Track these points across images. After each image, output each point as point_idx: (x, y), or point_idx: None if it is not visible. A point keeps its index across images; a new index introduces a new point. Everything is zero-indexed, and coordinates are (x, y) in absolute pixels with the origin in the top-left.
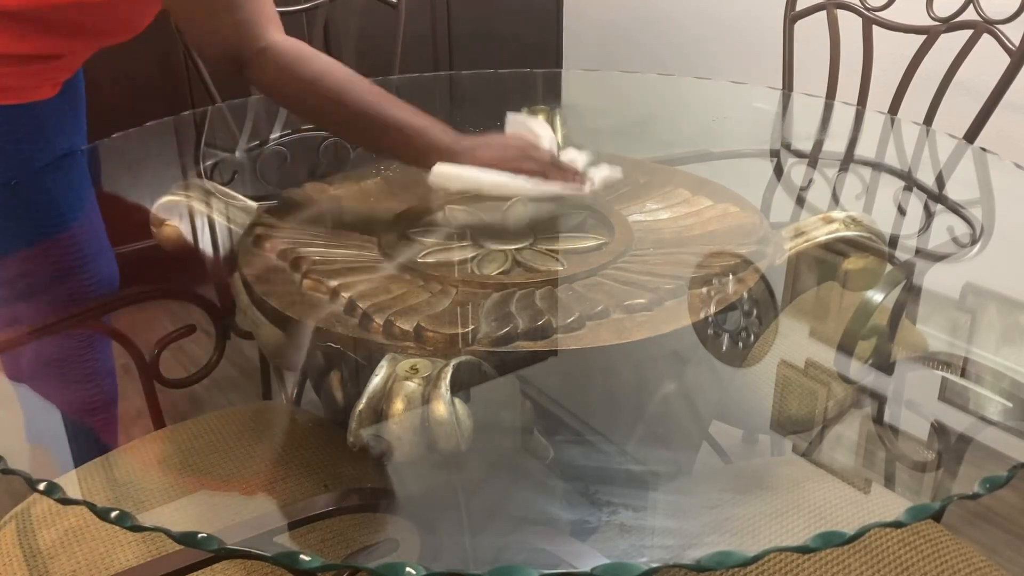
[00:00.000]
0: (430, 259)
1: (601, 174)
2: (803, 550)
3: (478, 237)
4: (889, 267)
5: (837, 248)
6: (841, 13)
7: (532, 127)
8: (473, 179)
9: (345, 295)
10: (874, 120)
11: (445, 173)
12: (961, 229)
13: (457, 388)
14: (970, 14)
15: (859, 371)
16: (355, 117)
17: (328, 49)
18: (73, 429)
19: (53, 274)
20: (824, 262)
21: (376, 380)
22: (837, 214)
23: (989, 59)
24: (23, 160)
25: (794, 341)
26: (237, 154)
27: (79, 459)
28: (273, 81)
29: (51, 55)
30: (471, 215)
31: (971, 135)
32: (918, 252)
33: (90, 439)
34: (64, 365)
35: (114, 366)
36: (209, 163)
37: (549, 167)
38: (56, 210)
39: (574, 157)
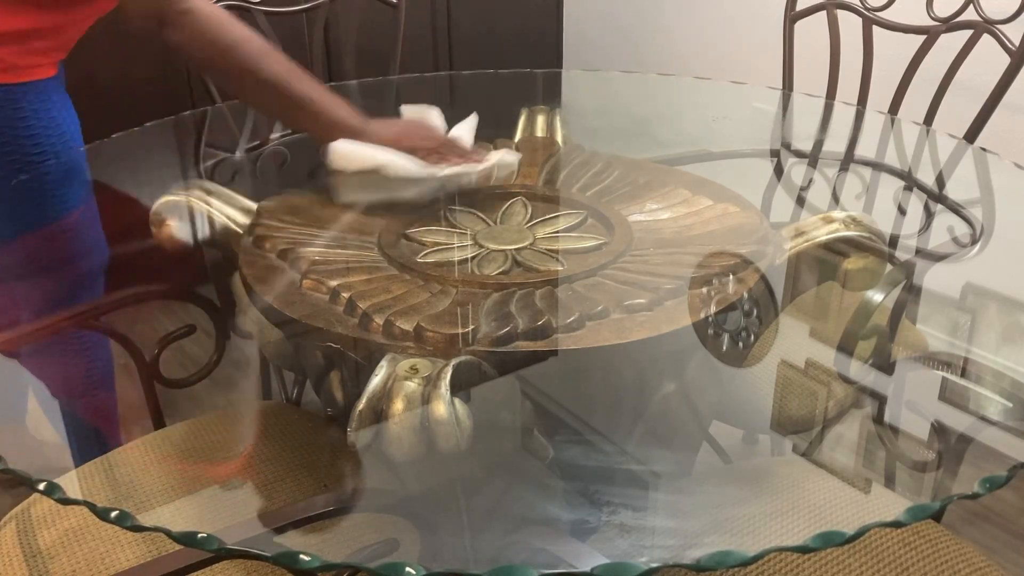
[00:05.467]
0: (430, 259)
1: (496, 157)
2: (803, 550)
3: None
4: (889, 267)
5: (837, 248)
6: (841, 13)
7: (426, 114)
8: (370, 157)
9: (345, 295)
10: (874, 120)
11: (342, 151)
12: (961, 229)
13: (457, 388)
14: (970, 14)
15: (859, 371)
16: (267, 87)
17: (328, 49)
18: (72, 422)
19: (46, 263)
20: (824, 262)
21: (376, 380)
22: (837, 214)
23: (989, 59)
24: (31, 137)
25: (794, 341)
26: (237, 154)
27: (79, 452)
28: (190, 42)
29: (49, 29)
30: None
31: (971, 135)
32: (918, 252)
33: (87, 429)
34: (58, 339)
35: (109, 342)
36: (209, 163)
37: (445, 148)
38: (55, 200)
39: (462, 134)
